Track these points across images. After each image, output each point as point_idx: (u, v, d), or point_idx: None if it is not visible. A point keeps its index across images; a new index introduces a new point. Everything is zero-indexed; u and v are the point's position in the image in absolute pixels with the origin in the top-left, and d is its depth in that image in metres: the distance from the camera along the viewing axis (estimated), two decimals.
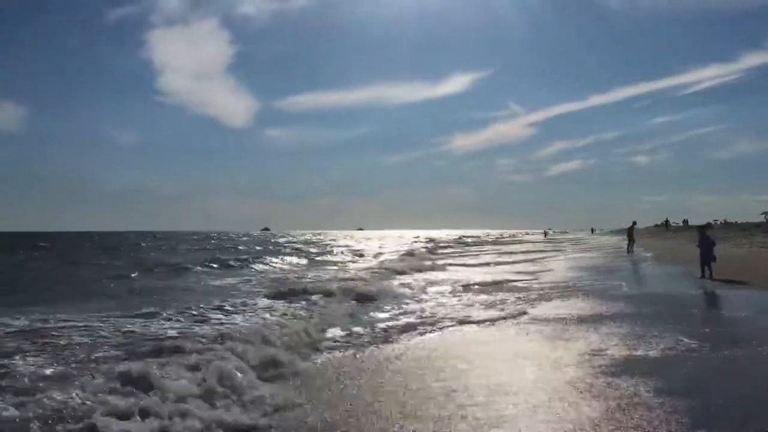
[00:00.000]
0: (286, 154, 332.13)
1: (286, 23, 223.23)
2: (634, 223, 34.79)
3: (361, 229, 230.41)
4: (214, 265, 26.40)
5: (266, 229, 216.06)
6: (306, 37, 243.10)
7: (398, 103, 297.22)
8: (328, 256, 38.62)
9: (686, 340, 7.75)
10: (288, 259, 33.47)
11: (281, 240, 79.87)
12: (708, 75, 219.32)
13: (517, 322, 9.80)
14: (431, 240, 72.77)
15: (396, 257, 32.85)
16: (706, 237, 16.85)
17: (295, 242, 68.58)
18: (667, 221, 68.83)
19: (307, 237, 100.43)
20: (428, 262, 26.20)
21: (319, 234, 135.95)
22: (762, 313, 10.15)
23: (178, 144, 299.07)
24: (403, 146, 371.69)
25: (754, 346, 7.35)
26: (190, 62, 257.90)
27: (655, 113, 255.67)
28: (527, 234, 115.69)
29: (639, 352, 7.19)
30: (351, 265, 28.44)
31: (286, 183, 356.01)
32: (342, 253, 41.62)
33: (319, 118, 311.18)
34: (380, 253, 39.89)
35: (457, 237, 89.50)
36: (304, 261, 32.91)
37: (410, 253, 36.78)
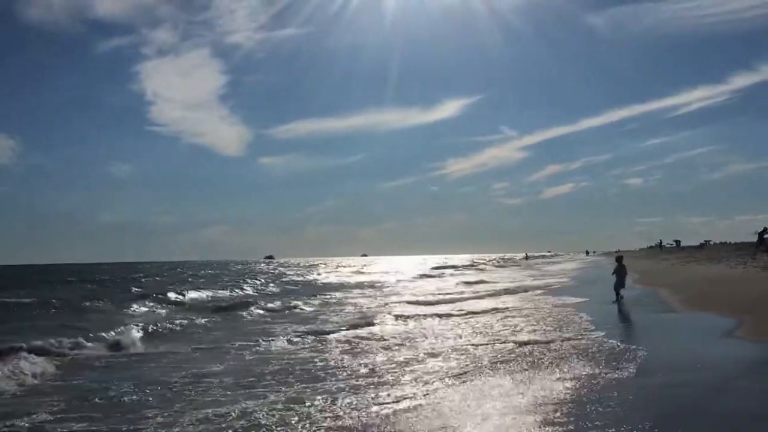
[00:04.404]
0: (281, 181, 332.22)
1: (277, 52, 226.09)
2: (766, 228, 35.25)
3: (365, 256, 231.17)
4: None
5: (270, 257, 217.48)
6: (297, 65, 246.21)
7: (391, 129, 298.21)
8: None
9: None
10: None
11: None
12: (697, 96, 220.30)
13: None
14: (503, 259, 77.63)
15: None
16: (622, 266, 18.44)
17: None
18: (660, 242, 71.00)
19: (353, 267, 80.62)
20: None
21: (327, 260, 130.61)
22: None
23: (172, 174, 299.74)
24: (399, 172, 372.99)
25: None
26: (182, 92, 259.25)
27: (646, 135, 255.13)
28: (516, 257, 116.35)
29: None
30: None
31: (284, 211, 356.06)
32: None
33: (312, 145, 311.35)
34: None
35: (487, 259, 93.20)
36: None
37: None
